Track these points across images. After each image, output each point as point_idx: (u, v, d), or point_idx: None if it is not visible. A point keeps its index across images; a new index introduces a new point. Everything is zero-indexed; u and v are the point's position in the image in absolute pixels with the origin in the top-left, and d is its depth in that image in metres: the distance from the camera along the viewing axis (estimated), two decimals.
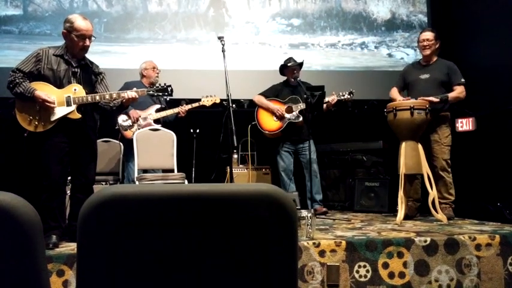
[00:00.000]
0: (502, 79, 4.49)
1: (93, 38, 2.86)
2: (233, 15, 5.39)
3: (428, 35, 3.84)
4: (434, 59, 3.85)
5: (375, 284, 2.42)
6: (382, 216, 4.00)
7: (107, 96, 2.87)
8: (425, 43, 3.82)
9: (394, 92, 3.94)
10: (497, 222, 3.30)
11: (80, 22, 2.79)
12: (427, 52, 3.81)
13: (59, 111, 2.75)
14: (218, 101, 4.21)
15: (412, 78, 3.89)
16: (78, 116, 2.79)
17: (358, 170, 4.80)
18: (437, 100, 3.55)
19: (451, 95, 3.64)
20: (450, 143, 3.74)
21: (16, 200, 0.73)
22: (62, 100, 2.75)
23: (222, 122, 3.72)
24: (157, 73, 4.27)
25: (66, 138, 2.78)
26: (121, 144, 4.27)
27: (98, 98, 2.84)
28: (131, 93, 2.92)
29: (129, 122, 4.07)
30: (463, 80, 3.70)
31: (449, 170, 3.71)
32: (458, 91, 3.67)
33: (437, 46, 3.83)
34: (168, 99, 4.14)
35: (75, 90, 2.79)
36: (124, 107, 3.04)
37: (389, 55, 5.66)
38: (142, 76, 4.28)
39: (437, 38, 3.83)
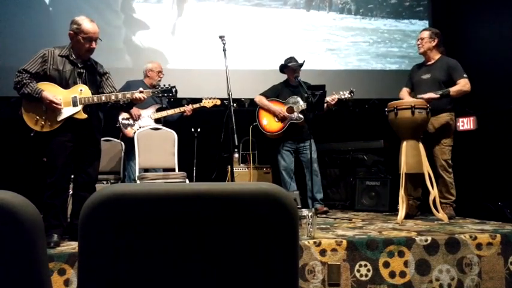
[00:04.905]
0: (503, 78, 4.49)
1: (98, 41, 2.88)
2: (234, 15, 5.39)
3: (422, 33, 3.85)
4: (436, 57, 3.79)
5: (376, 283, 2.42)
6: (383, 215, 3.99)
7: (113, 97, 2.89)
8: (418, 42, 3.86)
9: (403, 93, 3.91)
10: (498, 221, 3.29)
11: (87, 24, 2.81)
12: (420, 50, 3.84)
13: (66, 112, 2.78)
14: (219, 103, 4.26)
15: (416, 79, 3.87)
16: (84, 116, 2.82)
17: (359, 169, 4.80)
18: (437, 96, 3.53)
19: (453, 88, 3.56)
20: (451, 143, 3.69)
21: (17, 199, 0.73)
22: (69, 100, 2.78)
23: (223, 121, 3.72)
24: (161, 77, 4.25)
25: (72, 137, 2.81)
26: (122, 143, 4.27)
27: (103, 98, 2.87)
28: (139, 95, 2.96)
29: (130, 121, 4.08)
30: (465, 75, 3.62)
31: (450, 170, 3.67)
32: (461, 84, 3.58)
33: (433, 44, 3.76)
34: (172, 99, 4.16)
35: (81, 90, 2.82)
36: (133, 104, 3.10)
37: None
38: (146, 76, 4.27)
39: (432, 36, 3.77)
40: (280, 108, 4.27)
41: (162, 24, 5.24)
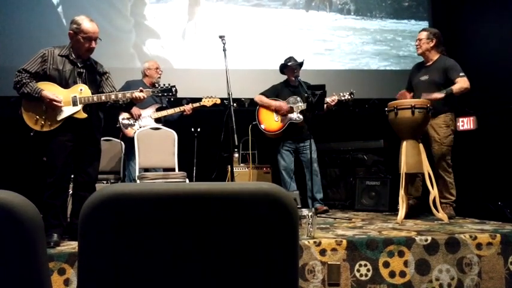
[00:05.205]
0: (503, 78, 4.48)
1: (98, 40, 2.87)
2: (234, 15, 5.39)
3: (420, 34, 3.85)
4: (435, 58, 3.78)
5: (376, 283, 2.42)
6: (383, 215, 3.99)
7: (113, 97, 2.89)
8: (416, 43, 3.87)
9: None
10: (498, 221, 3.29)
11: (86, 24, 2.81)
12: (418, 51, 3.85)
13: (65, 111, 2.78)
14: (219, 101, 4.26)
15: (415, 81, 3.87)
16: (84, 115, 2.82)
17: (359, 169, 4.80)
18: (442, 95, 3.52)
19: (455, 87, 3.54)
20: (451, 143, 3.68)
21: (17, 199, 0.73)
22: (68, 100, 2.78)
23: (223, 121, 3.72)
24: (160, 74, 4.28)
25: (72, 137, 2.81)
26: (122, 143, 4.28)
27: (103, 98, 2.87)
28: (139, 94, 2.95)
29: (130, 121, 4.08)
30: (461, 73, 3.59)
31: (450, 170, 3.66)
32: (461, 83, 3.55)
33: (431, 45, 3.75)
34: (172, 99, 4.17)
35: (81, 90, 2.82)
36: (133, 104, 3.10)
37: None
38: (145, 75, 4.28)
39: (430, 36, 3.76)
40: (281, 102, 4.26)
41: (165, 25, 5.23)
